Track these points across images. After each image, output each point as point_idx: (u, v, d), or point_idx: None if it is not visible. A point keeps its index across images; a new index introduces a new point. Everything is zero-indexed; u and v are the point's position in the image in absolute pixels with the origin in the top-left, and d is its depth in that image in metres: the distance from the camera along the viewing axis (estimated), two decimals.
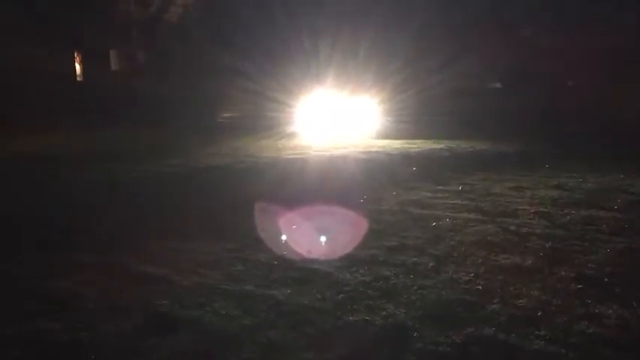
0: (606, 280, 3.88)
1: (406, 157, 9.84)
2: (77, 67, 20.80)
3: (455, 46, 16.17)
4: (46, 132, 13.93)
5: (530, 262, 4.25)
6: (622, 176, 7.67)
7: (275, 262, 4.33)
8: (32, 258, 4.53)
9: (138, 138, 13.19)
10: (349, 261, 4.32)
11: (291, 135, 13.30)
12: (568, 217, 5.59)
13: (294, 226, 5.32)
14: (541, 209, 5.92)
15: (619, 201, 6.22)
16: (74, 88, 19.66)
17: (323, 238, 4.90)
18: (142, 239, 4.99)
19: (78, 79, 20.85)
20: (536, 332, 3.10)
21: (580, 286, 3.76)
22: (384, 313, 3.38)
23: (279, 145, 11.68)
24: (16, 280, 4.04)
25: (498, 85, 18.94)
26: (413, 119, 13.63)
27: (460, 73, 15.11)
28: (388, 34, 16.42)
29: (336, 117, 14.72)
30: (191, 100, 17.54)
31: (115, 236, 5.10)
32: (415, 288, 3.77)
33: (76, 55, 20.59)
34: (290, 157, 10.06)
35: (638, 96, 14.06)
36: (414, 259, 4.36)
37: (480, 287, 3.77)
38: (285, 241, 4.86)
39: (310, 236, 5.01)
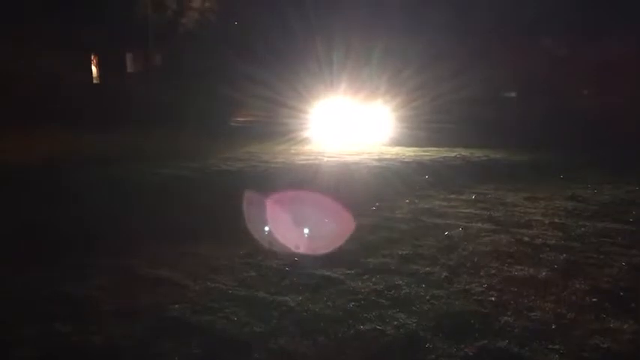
0: (621, 294, 3.83)
1: (419, 165, 9.80)
2: (94, 69, 21.03)
3: (470, 53, 16.13)
4: (63, 134, 14.06)
5: (544, 274, 4.21)
6: (637, 188, 7.58)
7: (287, 269, 4.34)
8: (46, 262, 4.57)
9: (152, 141, 13.27)
10: (361, 269, 4.31)
11: (305, 141, 13.31)
12: (583, 228, 5.53)
13: (306, 231, 5.31)
14: (555, 220, 5.87)
15: (634, 213, 6.15)
16: (91, 91, 19.88)
17: (333, 245, 4.89)
18: (155, 243, 5.02)
19: (94, 81, 21.08)
20: (550, 346, 3.07)
21: (595, 299, 3.72)
22: (395, 322, 3.37)
23: (293, 151, 11.69)
24: (29, 284, 4.07)
25: (513, 94, 18.83)
26: (426, 126, 13.57)
27: (475, 81, 15.05)
28: (402, 40, 16.41)
29: (350, 123, 14.72)
30: (205, 104, 17.62)
31: (129, 239, 5.13)
32: (427, 298, 3.75)
33: (92, 57, 20.82)
34: (303, 162, 10.07)
35: None
36: (427, 268, 4.35)
37: (494, 299, 3.74)
38: (295, 246, 4.86)
39: (319, 243, 4.99)
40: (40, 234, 5.41)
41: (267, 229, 5.28)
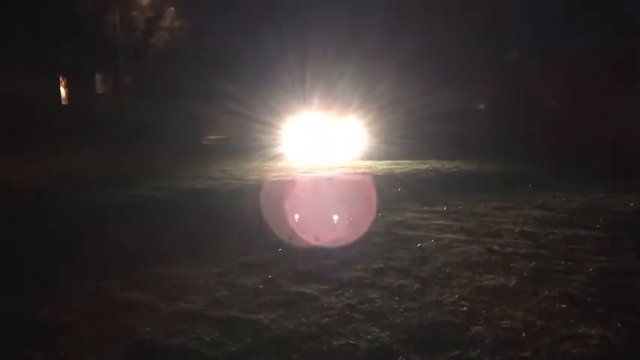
0: (590, 299, 3.91)
1: (392, 178, 9.88)
2: (62, 91, 20.80)
3: (440, 68, 16.42)
4: (32, 156, 13.83)
5: (514, 282, 4.28)
6: (603, 195, 7.77)
7: (261, 286, 4.32)
8: (16, 285, 4.47)
9: (123, 161, 13.12)
10: (335, 284, 4.32)
11: (278, 157, 13.33)
12: (551, 236, 5.65)
13: (280, 250, 5.32)
14: (525, 229, 5.98)
15: (601, 220, 6.30)
16: (60, 112, 19.63)
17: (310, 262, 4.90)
18: (127, 264, 4.95)
19: (63, 102, 20.84)
20: (521, 354, 3.12)
21: (564, 306, 3.79)
22: (369, 336, 3.38)
23: (266, 168, 11.69)
24: (4, 308, 3.98)
25: (482, 106, 19.20)
26: (399, 141, 13.73)
27: (445, 95, 15.31)
28: (375, 56, 16.63)
29: (323, 138, 14.80)
30: (177, 123, 17.55)
31: (100, 262, 5.05)
32: (401, 310, 3.77)
33: (61, 79, 20.61)
34: (276, 179, 10.07)
35: (618, 116, 14.34)
36: (400, 281, 4.38)
37: (465, 309, 3.78)
38: (271, 261, 4.86)
39: (296, 257, 5.00)
40: (10, 258, 5.29)
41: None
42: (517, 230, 5.92)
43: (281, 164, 12.26)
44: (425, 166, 11.22)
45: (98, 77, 21.30)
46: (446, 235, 5.76)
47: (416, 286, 4.25)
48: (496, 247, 5.26)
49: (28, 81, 17.32)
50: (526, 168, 10.93)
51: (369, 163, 12.27)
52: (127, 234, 6.15)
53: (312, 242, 5.48)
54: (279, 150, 13.97)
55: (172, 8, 21.26)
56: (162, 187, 9.19)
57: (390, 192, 8.50)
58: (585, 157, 11.34)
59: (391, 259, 4.95)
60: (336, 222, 6.39)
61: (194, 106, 17.73)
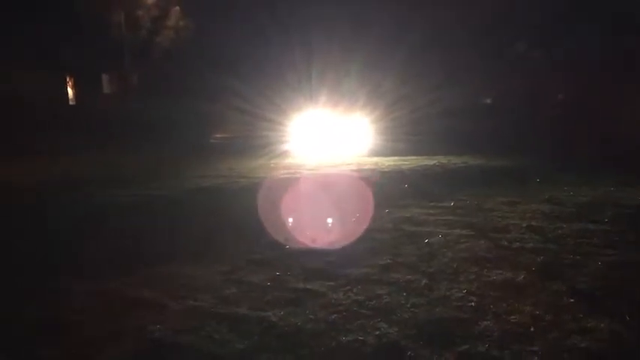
0: (598, 293, 3.90)
1: (399, 174, 9.88)
2: (69, 91, 20.93)
3: (447, 64, 16.37)
4: (39, 156, 13.92)
5: (522, 277, 4.27)
6: (612, 189, 7.73)
7: (268, 284, 4.34)
8: (24, 285, 4.50)
9: (130, 160, 13.19)
10: (343, 280, 4.32)
11: (284, 154, 13.35)
12: (559, 230, 5.62)
13: (287, 246, 5.33)
14: (533, 223, 5.95)
15: (609, 213, 6.27)
16: (67, 112, 19.74)
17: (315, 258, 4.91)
18: (135, 264, 4.96)
19: (70, 103, 20.96)
20: (529, 348, 3.12)
21: (572, 300, 3.78)
22: (377, 332, 3.39)
23: (272, 165, 11.71)
24: (8, 307, 4.01)
25: (488, 100, 19.13)
26: (405, 138, 13.71)
27: (452, 92, 15.28)
28: (381, 53, 16.61)
29: (329, 135, 14.81)
30: (184, 122, 17.61)
31: (108, 262, 5.08)
32: (408, 306, 3.77)
33: (68, 79, 20.72)
34: (283, 176, 10.08)
35: (627, 109, 14.25)
36: (408, 276, 4.38)
37: (473, 304, 3.78)
38: (278, 259, 4.87)
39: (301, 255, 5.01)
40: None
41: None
42: (525, 225, 5.90)
43: (287, 161, 12.27)
44: (432, 162, 11.20)
45: (105, 77, 21.41)
46: (453, 231, 5.75)
47: (423, 281, 4.25)
48: (504, 242, 5.25)
49: (36, 81, 17.45)
50: (533, 163, 10.88)
51: (376, 159, 12.26)
52: (133, 233, 6.17)
53: (317, 241, 5.49)
54: (286, 147, 13.99)
55: (177, 7, 21.31)
56: (168, 186, 9.22)
57: (397, 188, 8.49)
58: (594, 151, 11.29)
59: (398, 255, 4.95)
60: (341, 220, 6.39)
61: (200, 105, 17.78)
